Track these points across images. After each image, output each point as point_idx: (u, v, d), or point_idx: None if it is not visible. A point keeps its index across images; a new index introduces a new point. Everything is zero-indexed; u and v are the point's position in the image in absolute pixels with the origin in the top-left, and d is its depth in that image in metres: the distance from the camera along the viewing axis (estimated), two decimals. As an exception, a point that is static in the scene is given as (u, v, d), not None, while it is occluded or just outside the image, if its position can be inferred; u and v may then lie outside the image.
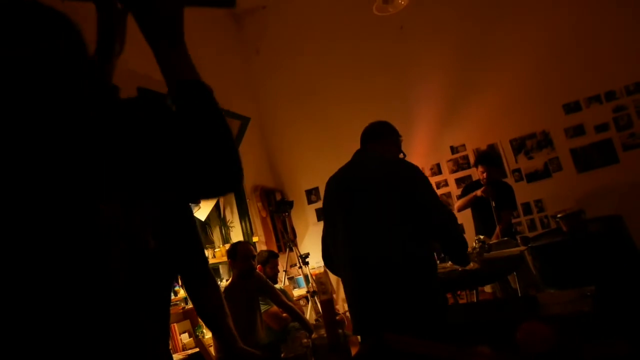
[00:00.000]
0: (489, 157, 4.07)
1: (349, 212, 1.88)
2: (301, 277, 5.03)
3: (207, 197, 0.79)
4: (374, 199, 1.84)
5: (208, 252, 4.50)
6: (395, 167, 1.91)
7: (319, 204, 5.51)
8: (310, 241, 5.48)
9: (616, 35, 4.43)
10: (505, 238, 3.42)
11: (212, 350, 3.07)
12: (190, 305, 3.67)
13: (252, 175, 5.38)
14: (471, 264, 2.59)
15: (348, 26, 5.31)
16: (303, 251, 5.04)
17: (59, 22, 0.74)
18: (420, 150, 5.06)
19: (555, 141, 4.66)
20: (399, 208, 1.79)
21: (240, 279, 3.31)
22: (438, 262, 2.75)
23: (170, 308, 1.15)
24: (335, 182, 2.03)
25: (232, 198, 5.15)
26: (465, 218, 4.13)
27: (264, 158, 5.78)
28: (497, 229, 3.78)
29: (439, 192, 4.96)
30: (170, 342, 1.99)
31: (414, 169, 1.90)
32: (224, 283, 4.22)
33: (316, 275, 4.32)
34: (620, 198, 4.22)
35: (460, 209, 4.05)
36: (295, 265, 5.02)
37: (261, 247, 4.99)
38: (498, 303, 2.98)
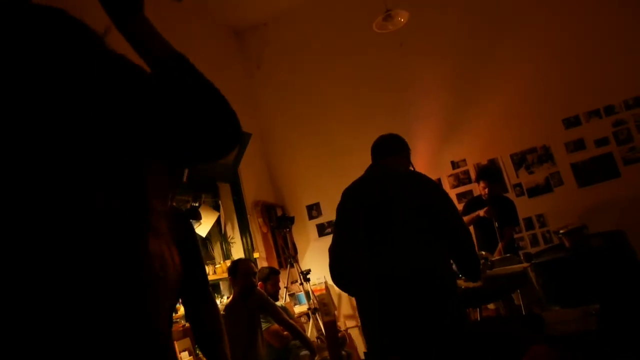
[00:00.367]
0: (490, 172, 4.07)
1: (374, 228, 1.85)
2: (302, 294, 4.98)
3: (214, 155, 0.79)
4: (403, 215, 1.82)
5: (209, 269, 4.47)
6: (419, 183, 1.90)
7: (320, 220, 5.49)
8: (312, 257, 5.44)
9: (615, 49, 4.47)
10: (508, 255, 3.40)
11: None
12: (190, 323, 3.63)
13: (252, 190, 5.36)
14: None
15: (348, 43, 5.36)
16: (304, 267, 5.00)
17: (58, 20, 0.73)
18: (421, 165, 5.06)
19: (555, 155, 4.67)
20: (427, 224, 1.79)
21: (241, 297, 3.28)
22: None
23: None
24: (353, 197, 2.00)
25: (233, 213, 5.13)
26: (467, 234, 4.11)
27: (264, 173, 5.77)
28: (500, 246, 3.76)
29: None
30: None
31: (437, 185, 1.92)
32: (224, 300, 4.18)
33: (319, 295, 4.28)
34: (621, 212, 4.21)
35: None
36: (296, 281, 4.98)
37: (262, 263, 4.96)
38: (503, 321, 2.95)
